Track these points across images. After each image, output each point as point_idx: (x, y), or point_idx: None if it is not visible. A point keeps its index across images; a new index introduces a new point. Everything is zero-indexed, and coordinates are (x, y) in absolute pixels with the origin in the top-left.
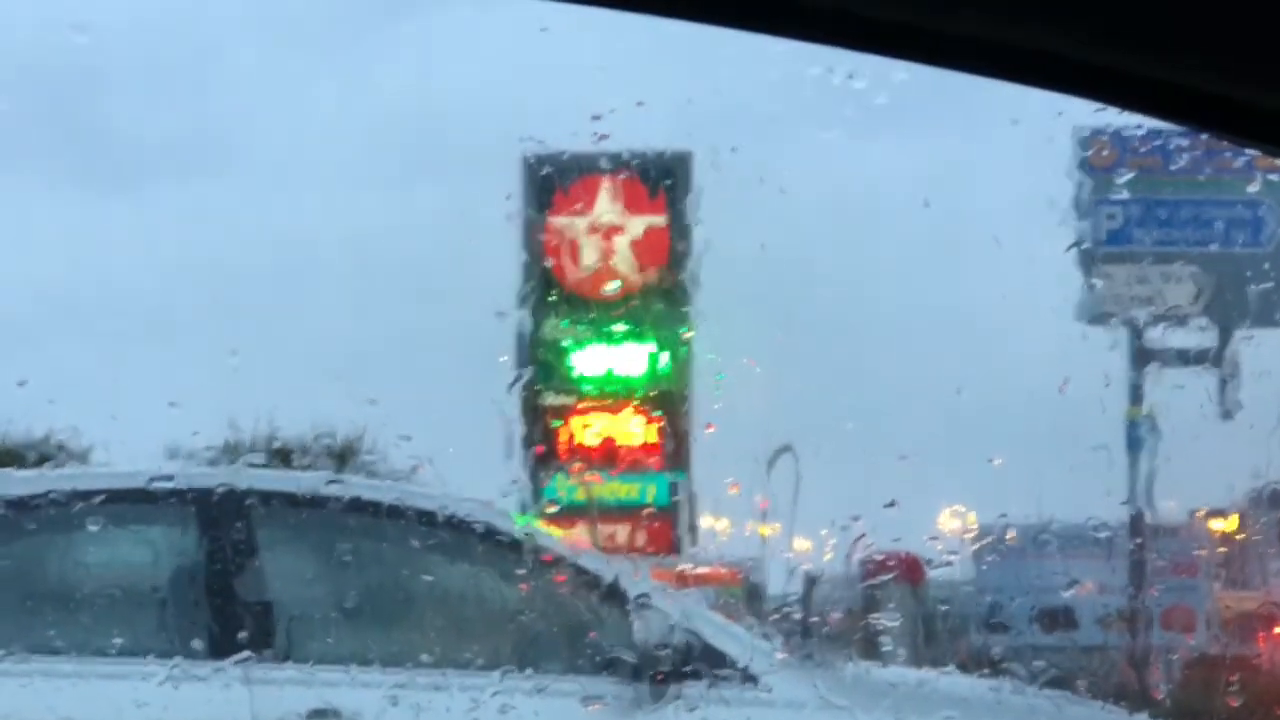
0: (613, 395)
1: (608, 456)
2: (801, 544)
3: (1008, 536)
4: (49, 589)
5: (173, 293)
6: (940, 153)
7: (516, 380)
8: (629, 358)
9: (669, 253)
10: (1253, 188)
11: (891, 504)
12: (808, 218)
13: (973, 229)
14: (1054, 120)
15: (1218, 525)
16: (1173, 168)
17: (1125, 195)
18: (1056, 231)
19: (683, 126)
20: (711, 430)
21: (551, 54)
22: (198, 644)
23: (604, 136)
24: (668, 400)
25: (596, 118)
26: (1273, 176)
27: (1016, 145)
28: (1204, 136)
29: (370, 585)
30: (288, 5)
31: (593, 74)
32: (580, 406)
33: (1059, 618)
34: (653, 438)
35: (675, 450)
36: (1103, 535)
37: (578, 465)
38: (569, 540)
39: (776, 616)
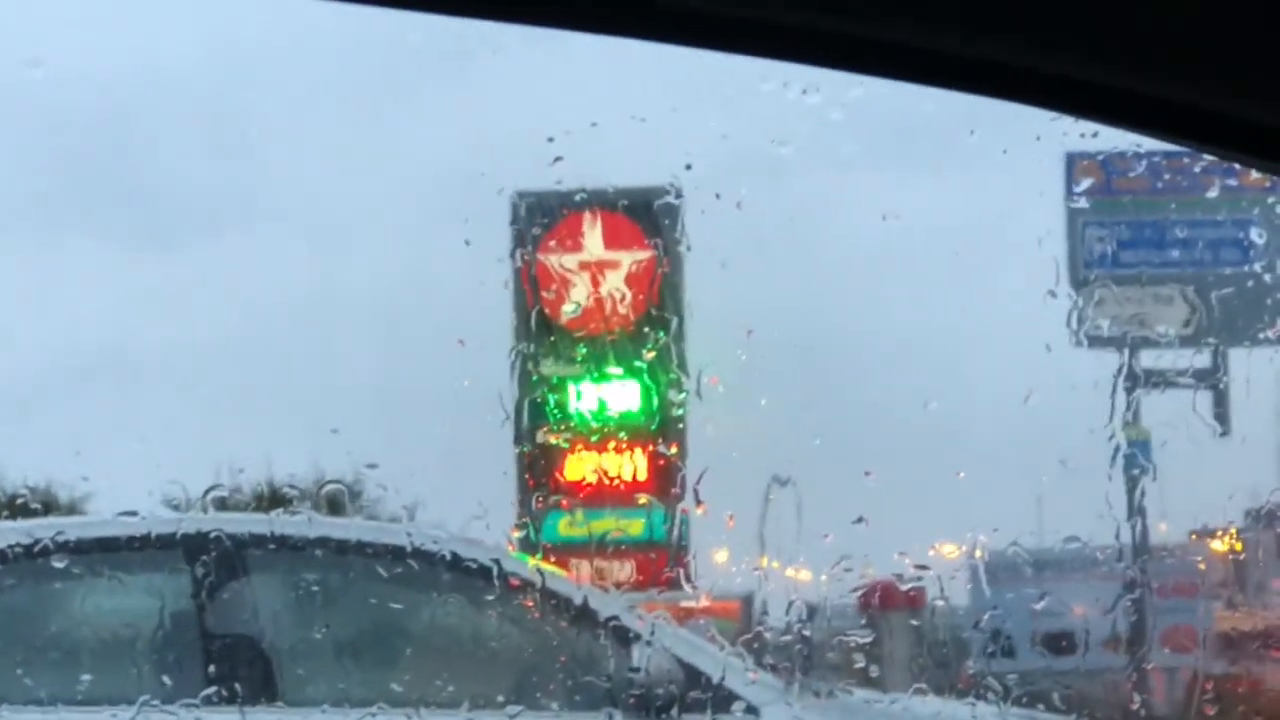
0: (598, 430)
1: (592, 491)
2: (786, 569)
3: (977, 554)
4: (17, 637)
5: (173, 345)
6: (903, 169)
7: (514, 422)
8: (613, 392)
9: (658, 286)
10: (1211, 193)
11: (860, 520)
12: (766, 234)
13: (940, 246)
14: (1020, 135)
15: (1212, 544)
16: (1160, 187)
17: (1112, 216)
18: (1036, 252)
19: (637, 146)
20: (675, 449)
21: (512, 83)
22: (167, 682)
23: (559, 159)
24: (644, 432)
25: (550, 140)
26: (1232, 181)
27: (983, 161)
28: (1187, 155)
29: (339, 621)
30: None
31: (548, 99)
32: (569, 442)
33: (1046, 639)
34: (631, 472)
35: (656, 482)
36: (1092, 555)
37: (563, 501)
38: (538, 567)
39: (748, 636)
